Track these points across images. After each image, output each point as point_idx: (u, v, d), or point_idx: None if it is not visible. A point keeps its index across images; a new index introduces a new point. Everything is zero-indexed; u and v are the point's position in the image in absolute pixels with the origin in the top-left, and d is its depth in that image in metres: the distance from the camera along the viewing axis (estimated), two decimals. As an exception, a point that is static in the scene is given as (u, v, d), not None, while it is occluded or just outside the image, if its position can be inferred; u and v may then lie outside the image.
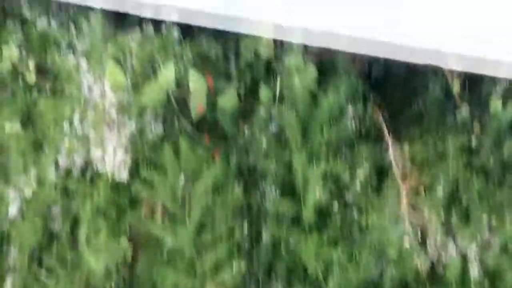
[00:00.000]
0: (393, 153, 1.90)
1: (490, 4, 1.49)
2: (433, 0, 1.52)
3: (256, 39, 2.10)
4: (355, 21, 1.56)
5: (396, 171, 1.86)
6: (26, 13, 2.09)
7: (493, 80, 2.03)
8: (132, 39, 2.02)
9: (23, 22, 2.10)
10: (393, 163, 1.87)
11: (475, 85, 2.14)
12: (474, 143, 1.96)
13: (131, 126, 1.88)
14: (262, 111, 1.99)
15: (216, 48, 2.09)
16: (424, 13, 1.52)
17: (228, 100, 1.95)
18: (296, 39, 1.89)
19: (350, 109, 2.01)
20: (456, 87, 2.10)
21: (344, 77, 2.10)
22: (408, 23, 1.52)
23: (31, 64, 2.03)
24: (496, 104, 2.02)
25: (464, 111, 2.07)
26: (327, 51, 1.95)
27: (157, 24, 2.11)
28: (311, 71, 2.07)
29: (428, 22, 1.51)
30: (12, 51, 1.98)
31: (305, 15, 1.58)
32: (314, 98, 2.05)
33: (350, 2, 1.56)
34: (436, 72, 2.04)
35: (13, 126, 1.94)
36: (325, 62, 2.21)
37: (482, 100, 2.11)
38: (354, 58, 2.09)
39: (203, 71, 2.03)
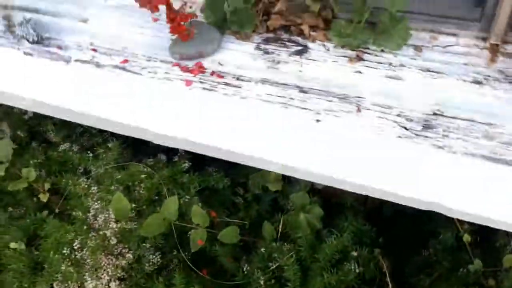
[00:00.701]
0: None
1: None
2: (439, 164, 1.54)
3: (265, 173, 2.14)
4: (359, 171, 1.57)
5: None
6: (51, 137, 2.24)
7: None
8: (143, 167, 2.10)
9: (47, 145, 2.24)
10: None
11: (488, 236, 2.05)
12: (487, 300, 1.83)
13: (129, 256, 1.87)
14: (263, 249, 1.95)
15: (224, 180, 2.13)
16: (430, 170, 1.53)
17: (229, 235, 1.94)
18: (302, 178, 1.91)
19: (354, 252, 1.95)
20: (466, 237, 2.02)
21: (351, 217, 2.07)
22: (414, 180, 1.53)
23: (47, 185, 2.12)
24: (510, 259, 1.92)
25: (476, 264, 1.97)
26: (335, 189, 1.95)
27: (171, 152, 2.20)
28: (317, 210, 2.05)
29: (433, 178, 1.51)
30: (31, 172, 2.08)
31: (309, 161, 1.61)
32: (318, 238, 2.01)
33: (354, 156, 1.59)
34: (447, 218, 1.98)
35: (17, 245, 1.97)
36: (334, 200, 2.21)
37: (497, 253, 2.01)
38: (365, 197, 2.07)
39: (208, 203, 2.05)
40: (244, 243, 2.01)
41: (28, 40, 1.95)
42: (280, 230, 2.01)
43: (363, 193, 1.65)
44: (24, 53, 1.95)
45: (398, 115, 1.65)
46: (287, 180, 2.19)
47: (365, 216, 2.14)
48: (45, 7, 2.10)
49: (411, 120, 1.63)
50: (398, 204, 1.68)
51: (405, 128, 1.62)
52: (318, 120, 1.70)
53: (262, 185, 2.15)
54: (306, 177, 1.81)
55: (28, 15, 2.01)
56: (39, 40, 1.96)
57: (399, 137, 1.60)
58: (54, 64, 1.91)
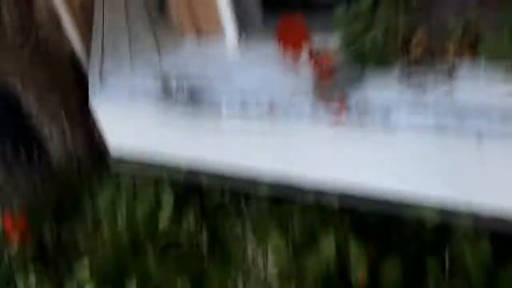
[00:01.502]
0: None
1: None
2: None
3: (420, 207, 2.04)
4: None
5: None
6: (204, 186, 2.39)
7: None
8: (293, 208, 2.13)
9: (203, 194, 2.39)
10: None
11: None
12: None
13: (291, 296, 1.87)
14: (430, 284, 1.83)
15: (377, 216, 2.07)
16: None
17: (391, 270, 1.86)
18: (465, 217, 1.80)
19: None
20: None
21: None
22: None
23: (205, 232, 2.25)
24: None
25: None
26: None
27: (318, 193, 2.22)
28: (484, 243, 1.89)
29: None
30: (190, 219, 2.23)
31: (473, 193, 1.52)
32: (490, 272, 1.84)
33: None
34: None
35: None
36: (500, 233, 2.02)
37: None
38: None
39: (364, 240, 2.00)
40: (407, 280, 1.90)
41: (182, 101, 2.15)
42: (446, 264, 1.88)
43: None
44: (180, 112, 2.15)
45: None
46: (446, 214, 2.06)
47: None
48: (195, 71, 2.31)
49: None
50: None
51: None
52: (479, 144, 1.60)
53: (418, 220, 2.04)
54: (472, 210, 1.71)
55: (181, 79, 2.24)
56: (192, 100, 2.15)
57: None
58: (208, 120, 2.07)
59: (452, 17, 1.94)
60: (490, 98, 1.69)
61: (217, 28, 2.44)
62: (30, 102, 3.02)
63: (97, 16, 3.23)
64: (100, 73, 2.46)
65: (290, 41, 1.78)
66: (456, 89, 1.76)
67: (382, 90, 1.86)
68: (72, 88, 3.08)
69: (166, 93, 2.25)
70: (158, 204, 2.36)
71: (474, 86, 1.76)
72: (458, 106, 1.70)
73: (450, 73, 1.82)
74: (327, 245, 1.91)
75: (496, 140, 1.59)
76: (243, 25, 2.42)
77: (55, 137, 3.13)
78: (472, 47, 1.85)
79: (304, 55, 1.86)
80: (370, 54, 1.92)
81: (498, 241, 1.95)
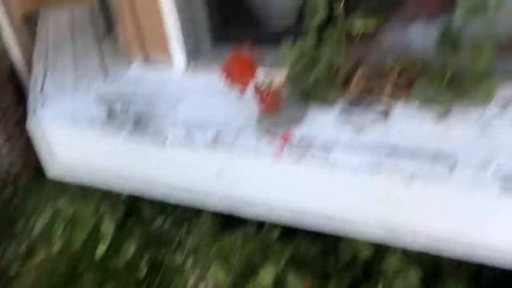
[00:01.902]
0: None
1: None
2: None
3: (355, 239, 2.12)
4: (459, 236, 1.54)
5: None
6: (145, 213, 2.36)
7: None
8: (235, 239, 2.15)
9: (143, 221, 2.36)
10: None
11: None
12: None
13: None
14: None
15: (314, 248, 2.13)
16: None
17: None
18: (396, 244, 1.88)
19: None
20: None
21: (450, 281, 1.99)
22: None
23: (144, 259, 2.21)
24: None
25: None
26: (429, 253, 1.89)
27: (259, 223, 2.25)
28: (413, 275, 1.99)
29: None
30: (130, 248, 2.19)
31: (404, 229, 1.60)
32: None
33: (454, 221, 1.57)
34: None
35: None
36: (429, 265, 2.13)
37: None
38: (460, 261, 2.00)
39: (301, 271, 2.04)
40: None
41: (126, 127, 2.13)
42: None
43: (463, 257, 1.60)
44: (125, 137, 2.12)
45: (496, 172, 1.61)
46: (379, 246, 2.15)
47: (465, 280, 2.04)
48: (141, 97, 2.29)
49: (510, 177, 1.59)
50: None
51: (505, 185, 1.58)
52: (410, 183, 1.70)
53: (353, 252, 2.12)
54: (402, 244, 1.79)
55: (126, 104, 2.22)
56: (137, 126, 2.13)
57: (500, 194, 1.56)
58: (153, 147, 2.06)
59: (390, 58, 2.06)
60: (421, 140, 1.79)
61: (165, 54, 2.45)
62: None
63: (41, 31, 3.15)
64: (41, 92, 2.39)
65: (236, 76, 1.82)
66: (390, 129, 1.86)
67: (323, 124, 1.93)
68: (10, 103, 2.98)
69: (110, 118, 2.22)
70: (97, 231, 2.31)
71: (407, 127, 1.86)
72: (391, 146, 1.79)
73: (386, 114, 1.92)
74: (266, 277, 1.94)
75: (425, 180, 1.69)
76: (192, 53, 2.44)
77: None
78: (409, 86, 1.96)
79: (250, 88, 1.90)
80: (314, 90, 2.00)
81: (428, 272, 2.06)
